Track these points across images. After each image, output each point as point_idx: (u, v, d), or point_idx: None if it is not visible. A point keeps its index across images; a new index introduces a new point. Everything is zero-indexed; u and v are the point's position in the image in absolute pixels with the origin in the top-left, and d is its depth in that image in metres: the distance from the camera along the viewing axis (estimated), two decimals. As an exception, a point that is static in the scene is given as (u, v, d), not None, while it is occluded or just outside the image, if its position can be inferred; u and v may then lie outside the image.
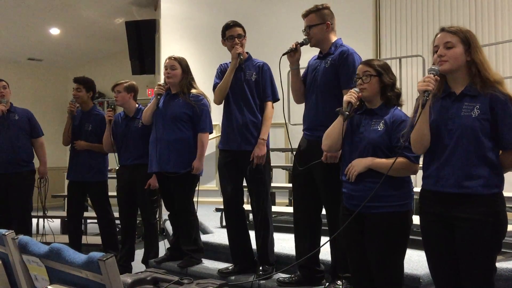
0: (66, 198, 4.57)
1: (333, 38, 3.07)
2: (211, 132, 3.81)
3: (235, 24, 3.46)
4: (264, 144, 3.40)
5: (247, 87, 3.42)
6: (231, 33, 3.43)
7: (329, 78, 2.99)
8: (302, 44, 3.08)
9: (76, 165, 4.42)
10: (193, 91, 3.71)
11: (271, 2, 7.34)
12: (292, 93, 3.26)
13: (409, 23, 7.05)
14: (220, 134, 3.73)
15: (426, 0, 6.93)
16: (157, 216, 5.64)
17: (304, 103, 3.21)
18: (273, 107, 3.48)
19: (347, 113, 2.40)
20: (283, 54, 3.07)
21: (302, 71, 3.23)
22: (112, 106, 4.30)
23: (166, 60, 3.73)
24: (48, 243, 1.47)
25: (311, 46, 3.11)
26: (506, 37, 6.10)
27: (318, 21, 3.02)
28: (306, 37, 3.07)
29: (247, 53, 3.54)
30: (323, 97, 3.01)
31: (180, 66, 3.70)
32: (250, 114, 3.41)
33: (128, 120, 4.15)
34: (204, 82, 4.11)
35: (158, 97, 3.70)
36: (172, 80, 3.70)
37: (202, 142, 3.69)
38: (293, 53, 3.08)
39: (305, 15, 3.06)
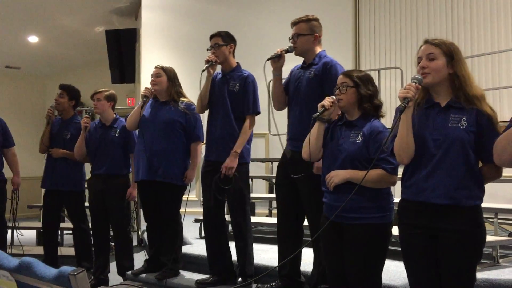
0: (41, 208, 4.46)
1: (318, 50, 3.11)
2: (203, 141, 3.79)
3: (213, 34, 3.47)
4: (236, 156, 3.36)
5: (228, 98, 3.41)
6: (210, 44, 3.46)
7: (312, 89, 3.02)
8: (287, 51, 3.10)
9: (52, 173, 4.32)
10: (184, 99, 3.71)
11: (253, 12, 7.38)
12: (272, 100, 3.27)
13: (388, 36, 7.17)
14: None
15: (404, 13, 7.07)
16: (135, 227, 5.60)
17: (284, 111, 3.22)
18: (254, 120, 3.44)
19: (318, 113, 2.44)
20: (268, 59, 3.10)
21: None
22: (90, 113, 4.23)
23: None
24: (22, 255, 1.43)
25: (296, 54, 3.13)
26: (482, 50, 6.24)
27: (307, 31, 3.06)
28: (292, 44, 3.09)
29: (237, 63, 3.53)
30: (307, 107, 3.01)
31: (165, 74, 3.69)
32: (228, 126, 3.39)
33: (104, 129, 4.10)
34: (184, 91, 4.07)
35: (144, 99, 3.68)
36: (157, 87, 3.69)
37: (196, 152, 3.69)
38: (277, 59, 3.10)
39: (294, 23, 3.10)
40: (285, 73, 3.23)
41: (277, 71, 3.13)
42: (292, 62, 3.25)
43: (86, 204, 4.51)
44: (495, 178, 2.12)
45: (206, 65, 3.35)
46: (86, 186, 4.72)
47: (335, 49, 7.46)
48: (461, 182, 2.03)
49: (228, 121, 3.40)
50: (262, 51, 3.21)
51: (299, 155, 2.84)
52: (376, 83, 5.67)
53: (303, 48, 3.08)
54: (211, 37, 3.47)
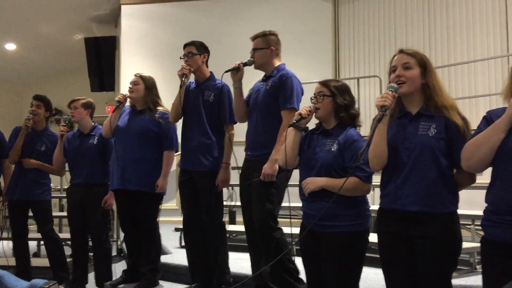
0: (8, 219, 4.36)
1: (277, 63, 3.18)
2: (177, 151, 3.76)
3: (187, 43, 3.50)
4: (228, 168, 3.40)
5: (203, 108, 3.42)
6: (184, 52, 3.47)
7: (269, 100, 3.08)
8: (246, 64, 3.17)
9: (22, 184, 4.23)
10: (160, 108, 3.70)
11: (231, 21, 7.40)
12: (235, 112, 3.31)
13: (367, 45, 7.26)
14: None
15: (382, 23, 7.17)
16: (115, 237, 5.52)
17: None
18: (232, 129, 3.46)
19: (294, 121, 2.46)
20: (225, 71, 3.17)
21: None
22: (66, 122, 4.17)
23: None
24: (7, 267, 1.40)
25: (255, 68, 3.21)
26: (458, 59, 6.36)
27: (263, 46, 3.15)
28: (251, 58, 3.17)
29: (210, 72, 3.54)
30: (263, 117, 3.09)
31: (143, 82, 3.69)
32: (203, 135, 3.40)
33: (83, 137, 4.06)
34: (163, 99, 4.05)
35: (117, 104, 3.67)
36: (134, 95, 3.68)
37: (168, 160, 3.64)
38: (236, 72, 3.16)
39: (253, 39, 3.20)
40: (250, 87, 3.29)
41: (236, 84, 3.19)
42: (259, 76, 3.29)
43: (62, 214, 4.45)
44: (468, 185, 2.14)
45: (183, 78, 3.37)
46: (65, 195, 4.65)
47: (315, 58, 7.57)
48: (433, 189, 2.05)
49: (203, 130, 3.40)
50: (241, 60, 3.23)
51: (254, 163, 3.00)
52: (356, 91, 5.79)
53: (260, 61, 3.16)
54: (185, 45, 3.50)
